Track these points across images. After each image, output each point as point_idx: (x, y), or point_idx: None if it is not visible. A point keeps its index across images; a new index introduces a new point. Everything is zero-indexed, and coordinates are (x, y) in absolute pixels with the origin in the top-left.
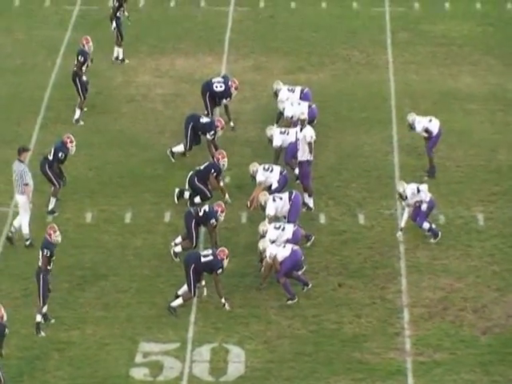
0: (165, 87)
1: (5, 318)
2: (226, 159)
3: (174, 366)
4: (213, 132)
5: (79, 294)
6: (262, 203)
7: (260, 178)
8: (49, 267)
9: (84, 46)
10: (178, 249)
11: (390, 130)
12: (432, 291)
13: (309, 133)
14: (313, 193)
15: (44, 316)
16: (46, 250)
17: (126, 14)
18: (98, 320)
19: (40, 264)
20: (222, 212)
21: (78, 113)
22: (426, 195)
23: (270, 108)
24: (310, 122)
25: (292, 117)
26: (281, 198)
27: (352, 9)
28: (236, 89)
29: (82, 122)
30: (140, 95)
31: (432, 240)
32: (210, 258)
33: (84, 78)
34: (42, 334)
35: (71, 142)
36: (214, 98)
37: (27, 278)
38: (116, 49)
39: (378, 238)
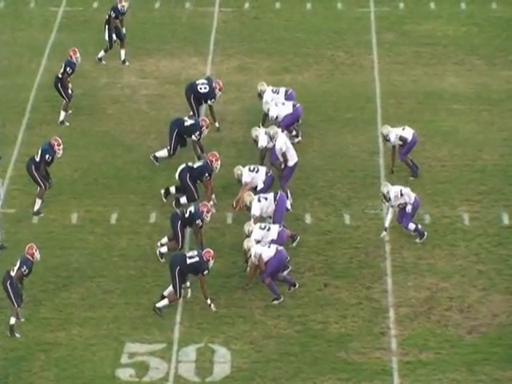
0: (150, 88)
1: None
2: (219, 162)
3: (160, 367)
4: (198, 133)
5: (65, 294)
6: (248, 204)
7: (246, 178)
8: (19, 281)
9: (71, 57)
10: (164, 249)
11: (375, 130)
12: (417, 291)
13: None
14: (288, 194)
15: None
16: (25, 268)
17: (124, 30)
18: (84, 321)
19: (12, 274)
20: (207, 213)
21: (62, 114)
22: (409, 197)
23: (255, 109)
24: (295, 122)
25: (277, 117)
26: (266, 199)
27: (337, 9)
28: (220, 90)
29: (67, 123)
30: (125, 96)
31: (418, 240)
32: (196, 259)
33: (69, 85)
34: (17, 335)
35: (59, 145)
36: (198, 100)
37: None
38: (121, 51)
39: (363, 237)
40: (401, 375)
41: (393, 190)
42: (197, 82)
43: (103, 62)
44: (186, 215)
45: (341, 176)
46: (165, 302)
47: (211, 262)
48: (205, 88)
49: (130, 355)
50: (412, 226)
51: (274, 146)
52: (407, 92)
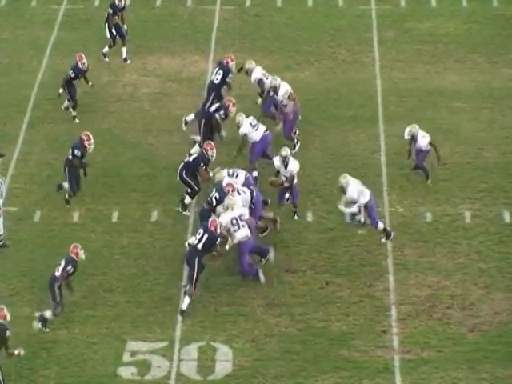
0: (151, 86)
1: (7, 319)
2: (214, 150)
3: (162, 365)
4: (223, 112)
5: (66, 293)
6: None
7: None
8: (65, 281)
9: (77, 62)
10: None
11: (376, 128)
12: (419, 289)
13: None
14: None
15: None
16: (70, 267)
17: (125, 27)
18: (86, 319)
19: (57, 274)
20: (232, 191)
21: (73, 113)
22: (364, 198)
23: (257, 107)
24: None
25: (275, 88)
26: (245, 192)
27: (338, 7)
28: (232, 61)
29: (77, 120)
30: (127, 94)
31: (383, 240)
32: (205, 237)
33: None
34: (47, 330)
35: (88, 139)
36: (219, 91)
37: (14, 277)
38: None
39: (365, 235)
40: (402, 373)
41: (351, 187)
42: (212, 78)
43: (106, 59)
44: (214, 203)
45: (342, 174)
46: (187, 300)
47: (218, 230)
48: (218, 74)
49: (131, 353)
50: (381, 225)
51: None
52: (408, 90)
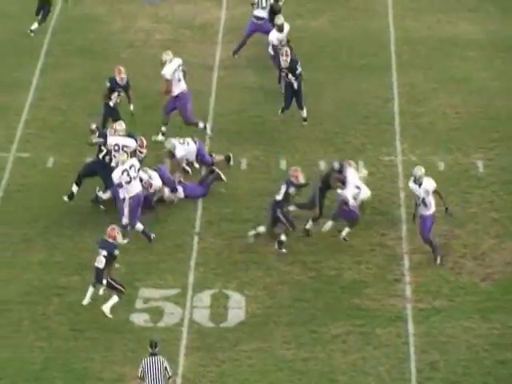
0: (164, 33)
1: (117, 239)
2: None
3: (175, 312)
4: None
5: (79, 239)
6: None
7: (180, 152)
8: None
9: (116, 75)
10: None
11: (389, 76)
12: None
13: None
14: None
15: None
16: (293, 189)
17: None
18: None
19: (279, 198)
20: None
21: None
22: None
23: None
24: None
25: None
26: (188, 144)
27: None
28: None
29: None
30: (139, 41)
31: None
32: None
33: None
34: (284, 250)
35: (141, 146)
36: None
37: (26, 223)
38: None
39: (377, 184)
40: (415, 322)
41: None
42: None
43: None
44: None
45: (355, 122)
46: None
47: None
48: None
49: (144, 300)
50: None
51: None
52: (421, 38)
